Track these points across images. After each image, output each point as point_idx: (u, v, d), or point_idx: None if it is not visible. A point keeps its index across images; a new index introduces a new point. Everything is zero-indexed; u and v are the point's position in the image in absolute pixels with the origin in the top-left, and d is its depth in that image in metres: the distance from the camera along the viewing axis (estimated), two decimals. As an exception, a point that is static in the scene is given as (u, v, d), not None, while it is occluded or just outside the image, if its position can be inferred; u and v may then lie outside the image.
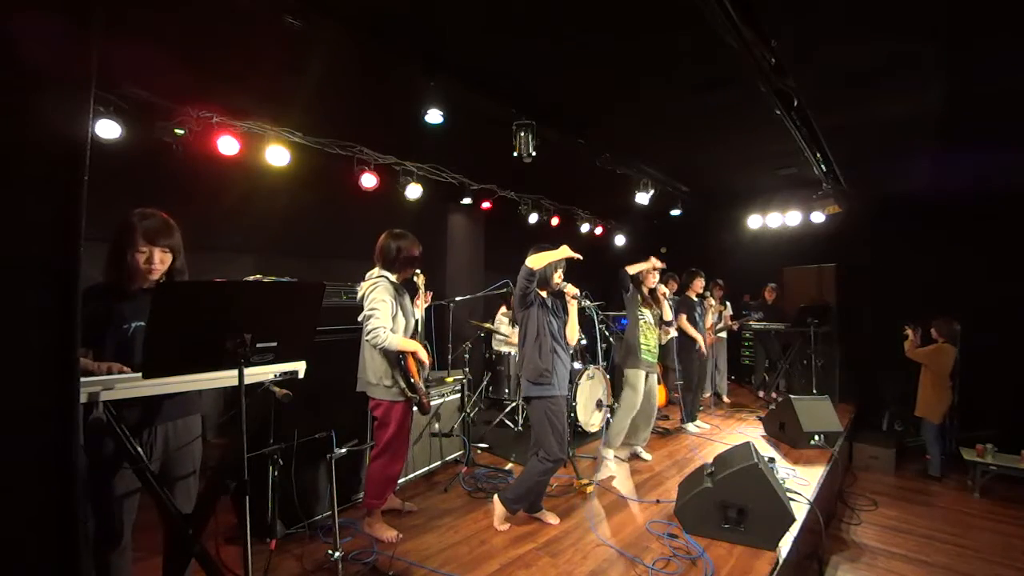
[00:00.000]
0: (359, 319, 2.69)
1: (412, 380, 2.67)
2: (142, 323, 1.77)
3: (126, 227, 1.77)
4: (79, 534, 1.05)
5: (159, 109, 3.64)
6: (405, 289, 2.85)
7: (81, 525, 1.08)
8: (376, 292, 2.63)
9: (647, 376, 4.03)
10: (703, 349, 5.14)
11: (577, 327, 3.12)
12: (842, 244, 6.71)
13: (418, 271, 2.91)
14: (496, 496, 3.01)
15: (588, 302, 3.47)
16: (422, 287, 2.97)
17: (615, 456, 4.18)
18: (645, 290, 4.12)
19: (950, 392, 5.06)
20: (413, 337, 2.79)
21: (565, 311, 3.08)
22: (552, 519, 3.07)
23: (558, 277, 3.00)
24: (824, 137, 4.40)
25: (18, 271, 0.97)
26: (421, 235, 2.91)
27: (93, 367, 1.61)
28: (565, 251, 2.91)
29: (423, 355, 2.71)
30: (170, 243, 1.83)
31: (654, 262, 4.03)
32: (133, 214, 1.80)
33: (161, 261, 1.81)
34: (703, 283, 5.32)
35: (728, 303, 6.70)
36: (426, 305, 2.99)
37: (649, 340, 4.02)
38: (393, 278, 2.76)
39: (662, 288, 4.17)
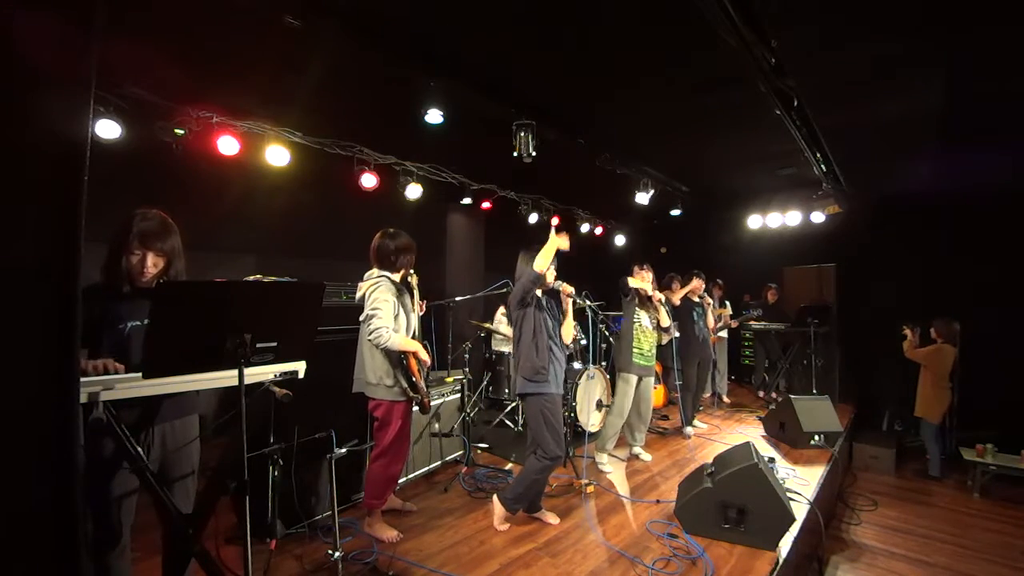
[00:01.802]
0: (360, 319, 2.69)
1: (414, 379, 2.68)
2: (138, 323, 1.78)
3: (123, 228, 1.77)
4: (79, 534, 1.05)
5: (159, 109, 3.63)
6: (405, 288, 2.85)
7: (81, 525, 1.08)
8: (378, 292, 2.63)
9: (640, 380, 4.03)
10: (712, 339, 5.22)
11: (573, 325, 3.13)
12: (842, 244, 6.69)
13: (412, 272, 2.90)
14: (496, 496, 3.01)
15: (587, 302, 3.46)
16: (416, 290, 2.97)
17: (614, 456, 4.19)
18: (643, 294, 4.12)
19: (949, 392, 5.06)
20: (412, 338, 2.79)
21: (560, 309, 3.09)
22: (552, 519, 3.07)
23: (551, 275, 3.01)
24: (824, 137, 4.40)
25: (18, 271, 0.96)
26: (421, 235, 2.91)
27: (87, 366, 1.60)
28: (555, 241, 2.84)
29: (424, 354, 2.71)
30: (164, 247, 1.81)
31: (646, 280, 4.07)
32: (133, 215, 1.79)
33: (153, 264, 1.80)
34: (702, 284, 5.31)
35: (728, 303, 6.70)
36: (421, 314, 2.98)
37: (643, 344, 4.02)
38: (395, 278, 2.76)
39: (657, 295, 4.18)
